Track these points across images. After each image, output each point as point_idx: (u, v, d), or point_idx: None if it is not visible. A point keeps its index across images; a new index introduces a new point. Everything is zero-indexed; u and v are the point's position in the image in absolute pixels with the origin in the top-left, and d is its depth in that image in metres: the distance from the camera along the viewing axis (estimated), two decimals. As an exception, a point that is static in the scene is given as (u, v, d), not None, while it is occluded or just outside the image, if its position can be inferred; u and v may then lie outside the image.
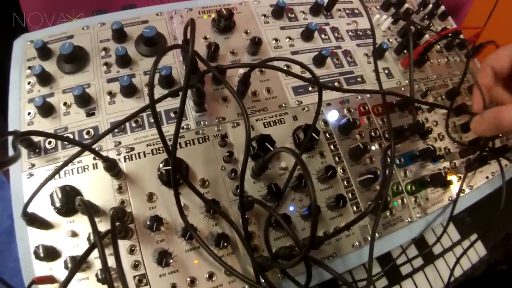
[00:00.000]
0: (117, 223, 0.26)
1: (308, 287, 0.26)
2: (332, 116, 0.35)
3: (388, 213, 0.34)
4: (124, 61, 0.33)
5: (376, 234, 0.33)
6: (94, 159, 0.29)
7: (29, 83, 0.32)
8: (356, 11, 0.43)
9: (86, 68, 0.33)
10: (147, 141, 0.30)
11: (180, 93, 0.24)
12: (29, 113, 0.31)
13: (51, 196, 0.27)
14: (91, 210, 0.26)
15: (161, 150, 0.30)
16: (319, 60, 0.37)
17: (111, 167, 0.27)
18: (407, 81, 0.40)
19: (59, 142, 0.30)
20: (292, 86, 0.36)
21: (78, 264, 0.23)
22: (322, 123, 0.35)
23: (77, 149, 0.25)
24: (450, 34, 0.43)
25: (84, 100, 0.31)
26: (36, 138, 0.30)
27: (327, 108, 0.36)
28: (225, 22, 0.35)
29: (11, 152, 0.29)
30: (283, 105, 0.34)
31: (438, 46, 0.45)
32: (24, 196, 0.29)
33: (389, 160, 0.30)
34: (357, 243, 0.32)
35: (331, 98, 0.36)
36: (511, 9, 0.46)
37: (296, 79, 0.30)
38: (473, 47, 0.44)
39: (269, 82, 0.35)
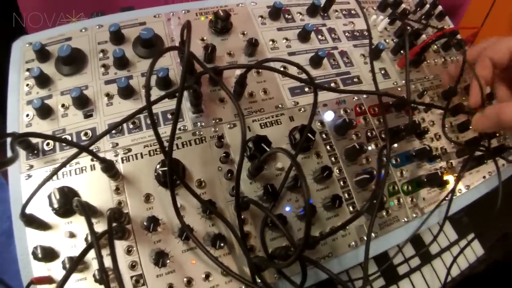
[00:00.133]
0: (114, 224, 0.27)
1: (303, 287, 0.27)
2: (328, 116, 0.36)
3: (384, 213, 0.34)
4: (122, 63, 0.33)
5: (373, 234, 0.33)
6: (92, 160, 0.29)
7: (27, 85, 0.33)
8: (353, 12, 0.43)
9: (84, 70, 0.33)
10: (144, 142, 0.31)
11: (176, 95, 0.24)
12: (27, 115, 0.31)
13: (49, 197, 0.27)
14: (88, 211, 0.27)
15: (158, 151, 0.30)
16: (316, 61, 0.37)
17: (108, 168, 0.28)
18: (403, 81, 0.40)
19: (57, 144, 0.30)
20: (289, 87, 0.36)
21: (75, 264, 0.23)
22: (319, 124, 0.35)
23: (74, 150, 0.25)
24: (447, 34, 0.43)
25: (82, 102, 0.31)
26: (34, 140, 0.30)
27: (324, 109, 0.36)
28: (222, 23, 0.35)
29: (9, 154, 0.29)
30: (280, 106, 0.35)
31: (435, 46, 0.45)
32: (23, 197, 0.29)
33: (384, 160, 0.30)
34: (353, 243, 0.32)
35: (328, 99, 0.36)
36: (508, 9, 0.46)
37: (293, 80, 0.31)
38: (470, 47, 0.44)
39: (265, 83, 0.35)
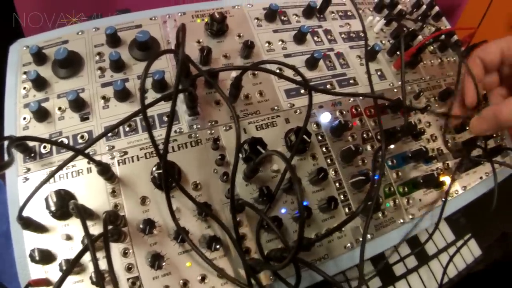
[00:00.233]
0: (110, 227, 0.27)
1: (298, 288, 0.27)
2: (324, 118, 0.36)
3: (380, 215, 0.34)
4: (118, 65, 0.33)
5: (368, 236, 0.33)
6: (88, 163, 0.30)
7: (24, 88, 0.33)
8: (349, 13, 0.43)
9: (80, 73, 0.33)
10: (140, 145, 0.31)
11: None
12: (24, 118, 0.31)
13: (46, 200, 0.27)
14: (84, 214, 0.27)
15: (154, 153, 0.30)
16: (312, 63, 0.37)
17: (104, 171, 0.28)
18: (400, 83, 0.40)
19: (54, 147, 0.30)
20: (285, 89, 0.36)
21: (71, 267, 0.23)
22: (314, 126, 0.35)
23: (71, 153, 0.25)
24: (443, 35, 0.43)
25: (78, 105, 0.31)
26: (31, 143, 0.30)
27: (319, 110, 0.36)
28: (217, 26, 0.35)
29: (6, 157, 0.29)
30: (275, 108, 0.35)
31: (432, 47, 0.45)
32: (20, 200, 0.29)
33: (379, 161, 0.31)
34: (349, 244, 0.32)
35: (323, 100, 0.36)
36: (504, 9, 0.46)
37: (289, 82, 0.31)
38: (466, 48, 0.44)
39: (261, 85, 0.35)
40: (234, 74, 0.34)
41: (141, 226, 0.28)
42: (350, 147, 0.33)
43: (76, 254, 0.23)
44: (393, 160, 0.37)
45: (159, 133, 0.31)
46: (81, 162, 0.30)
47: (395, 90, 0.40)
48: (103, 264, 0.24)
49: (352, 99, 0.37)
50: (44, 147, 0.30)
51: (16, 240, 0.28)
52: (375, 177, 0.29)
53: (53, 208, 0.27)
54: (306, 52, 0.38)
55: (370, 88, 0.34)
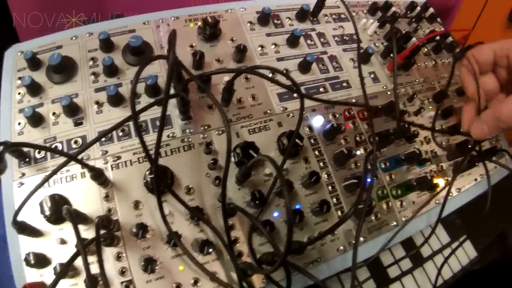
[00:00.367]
0: (103, 231, 0.27)
1: (290, 291, 0.27)
2: (317, 121, 0.36)
3: (373, 217, 0.34)
4: (111, 70, 0.33)
5: (362, 238, 0.33)
6: (82, 168, 0.30)
7: (19, 93, 0.33)
8: (342, 16, 0.43)
9: (74, 78, 0.34)
10: (134, 150, 0.31)
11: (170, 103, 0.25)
12: (19, 123, 0.32)
13: (41, 204, 0.27)
14: (76, 219, 0.27)
15: (147, 158, 0.31)
16: (304, 66, 0.37)
17: (97, 176, 0.28)
18: (393, 85, 0.40)
19: (48, 152, 0.30)
20: (277, 92, 0.36)
21: (63, 271, 0.24)
22: (307, 129, 0.35)
23: (65, 159, 0.26)
24: (438, 37, 0.43)
25: (72, 110, 0.31)
26: (26, 148, 0.30)
27: (312, 114, 0.36)
28: (210, 30, 0.35)
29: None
30: (268, 111, 0.35)
31: (426, 49, 0.45)
32: (16, 204, 0.29)
33: (370, 165, 0.31)
34: (342, 247, 0.32)
35: (316, 104, 0.36)
36: (499, 10, 0.46)
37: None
38: (461, 49, 0.44)
39: (254, 89, 0.36)
40: (227, 78, 0.34)
41: (134, 230, 0.28)
42: (343, 150, 0.33)
43: (68, 259, 0.24)
44: (386, 162, 0.37)
45: (152, 137, 0.32)
46: (75, 167, 0.30)
47: (389, 92, 0.40)
48: (97, 268, 0.25)
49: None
50: (39, 152, 0.31)
51: (11, 244, 0.29)
52: (366, 181, 0.29)
53: (47, 213, 0.27)
54: (299, 56, 0.38)
55: (362, 93, 0.34)
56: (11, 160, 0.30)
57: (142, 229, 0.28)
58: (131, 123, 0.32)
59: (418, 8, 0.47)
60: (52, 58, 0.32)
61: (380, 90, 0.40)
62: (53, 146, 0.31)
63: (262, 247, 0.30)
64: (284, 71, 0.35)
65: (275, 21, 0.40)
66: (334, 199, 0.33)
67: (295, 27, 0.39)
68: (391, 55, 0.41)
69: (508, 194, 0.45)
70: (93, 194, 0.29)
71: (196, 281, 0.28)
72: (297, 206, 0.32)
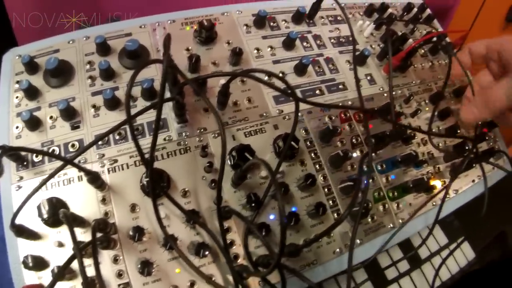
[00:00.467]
0: (100, 234, 0.27)
1: (285, 294, 0.27)
2: (313, 124, 0.36)
3: (369, 219, 0.34)
4: (108, 74, 0.33)
5: (358, 240, 0.33)
6: (79, 171, 0.30)
7: (17, 97, 0.33)
8: (339, 18, 0.43)
9: (71, 82, 0.34)
10: (130, 153, 0.31)
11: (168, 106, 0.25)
12: (17, 127, 0.32)
13: (38, 208, 0.28)
14: (73, 222, 0.27)
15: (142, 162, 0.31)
16: (300, 69, 0.37)
17: (94, 179, 0.28)
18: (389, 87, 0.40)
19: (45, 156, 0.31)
20: (273, 95, 0.36)
21: (59, 274, 0.24)
22: (303, 131, 0.35)
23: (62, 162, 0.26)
24: (435, 38, 0.43)
25: (69, 114, 0.32)
26: (23, 152, 0.31)
27: (308, 116, 0.36)
28: (206, 33, 0.35)
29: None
30: (264, 114, 0.35)
31: (423, 50, 0.45)
32: (14, 207, 0.30)
33: (366, 168, 0.31)
34: (338, 249, 0.32)
35: (312, 106, 0.36)
36: (496, 11, 0.46)
37: (277, 88, 0.31)
38: (458, 50, 0.44)
39: (250, 91, 0.36)
40: (223, 81, 0.34)
41: (130, 233, 0.28)
42: (338, 152, 0.33)
43: (64, 262, 0.24)
44: (383, 164, 0.37)
45: (149, 141, 0.31)
46: (72, 171, 0.30)
47: (385, 94, 0.40)
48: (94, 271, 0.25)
49: (341, 104, 0.38)
50: (36, 156, 0.31)
51: (10, 247, 0.29)
52: (361, 183, 0.29)
53: (45, 216, 0.28)
54: (295, 58, 0.38)
55: (358, 95, 0.34)
56: (9, 164, 0.30)
57: (139, 232, 0.28)
58: (127, 127, 0.32)
59: (415, 9, 0.46)
60: (49, 62, 0.32)
61: (377, 92, 0.40)
62: (50, 150, 0.31)
63: (259, 249, 0.30)
64: (279, 74, 0.36)
65: (271, 23, 0.40)
66: (330, 202, 0.34)
67: (291, 30, 0.39)
68: (388, 56, 0.41)
69: (506, 195, 0.45)
70: (90, 197, 0.30)
71: (192, 284, 0.28)
72: (293, 209, 0.32)
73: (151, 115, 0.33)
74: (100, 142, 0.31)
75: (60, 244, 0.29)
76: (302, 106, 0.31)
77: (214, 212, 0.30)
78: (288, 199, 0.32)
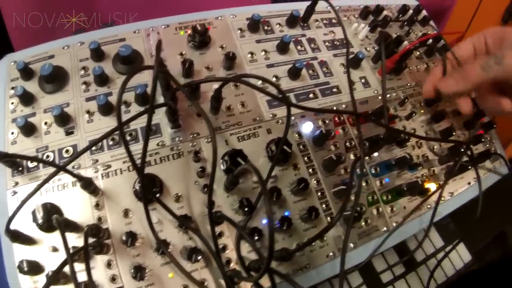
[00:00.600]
0: (93, 239, 0.28)
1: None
2: (306, 128, 0.36)
3: (363, 223, 0.34)
4: (102, 80, 0.34)
5: (351, 245, 0.33)
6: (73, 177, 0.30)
7: (12, 103, 0.34)
8: (333, 20, 0.43)
9: (65, 88, 0.34)
10: (123, 158, 0.31)
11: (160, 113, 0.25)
12: (12, 133, 0.32)
13: (33, 213, 0.28)
14: (67, 228, 0.28)
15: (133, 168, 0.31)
16: (294, 73, 0.37)
17: (87, 185, 0.28)
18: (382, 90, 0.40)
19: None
20: (267, 99, 0.36)
21: (50, 279, 0.24)
22: (296, 135, 0.35)
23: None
24: (430, 40, 0.43)
25: (63, 120, 0.32)
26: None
27: (301, 120, 0.36)
28: (200, 37, 0.36)
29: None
30: (257, 118, 0.35)
31: (418, 52, 0.45)
32: (10, 213, 0.30)
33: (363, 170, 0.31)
34: (331, 253, 0.32)
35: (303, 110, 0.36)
36: (493, 12, 0.46)
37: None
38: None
39: (243, 96, 0.36)
40: (215, 86, 0.34)
41: (123, 238, 0.28)
42: (332, 156, 0.33)
43: (57, 267, 0.24)
44: (377, 168, 0.37)
45: (142, 146, 0.32)
46: (66, 176, 0.30)
47: (380, 97, 0.40)
48: (92, 276, 0.25)
49: (335, 108, 0.38)
50: (31, 161, 0.31)
51: (6, 252, 0.29)
52: (352, 187, 0.29)
53: (40, 221, 0.28)
54: (289, 62, 0.38)
55: (351, 99, 0.34)
56: (4, 170, 0.31)
57: (132, 237, 0.28)
58: (121, 132, 0.32)
59: (410, 11, 0.46)
60: (44, 68, 0.32)
61: (371, 95, 0.40)
62: (45, 155, 0.31)
63: (252, 254, 0.30)
64: (271, 79, 0.36)
65: (265, 27, 0.40)
66: (324, 206, 0.34)
67: (285, 33, 0.39)
68: (382, 59, 0.41)
69: (504, 196, 0.44)
70: (84, 202, 0.30)
71: (185, 288, 0.29)
72: (286, 213, 0.32)
73: (145, 120, 0.32)
74: (93, 148, 0.31)
75: (55, 249, 0.29)
76: (296, 110, 0.31)
77: (207, 217, 0.30)
78: (281, 203, 0.32)
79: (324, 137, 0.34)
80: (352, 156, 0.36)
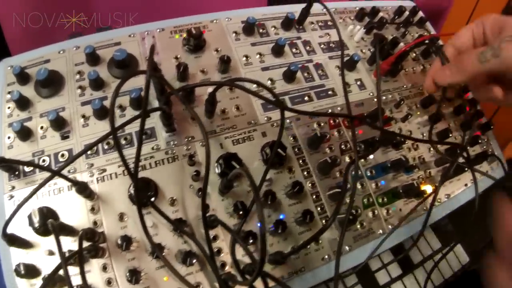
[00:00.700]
0: (89, 243, 0.28)
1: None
2: (301, 130, 0.36)
3: (358, 226, 0.34)
4: (97, 84, 0.34)
5: (347, 247, 0.33)
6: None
7: (9, 107, 0.34)
8: (329, 23, 0.43)
9: (61, 92, 0.34)
10: (118, 162, 0.31)
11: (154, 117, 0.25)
12: (9, 137, 0.33)
13: (29, 217, 0.28)
14: (62, 232, 0.28)
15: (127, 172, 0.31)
16: (289, 76, 0.37)
17: (82, 189, 0.29)
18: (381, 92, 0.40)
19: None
20: (262, 102, 0.36)
21: (45, 284, 0.24)
22: (291, 138, 0.35)
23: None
24: (426, 41, 0.43)
25: (59, 124, 0.32)
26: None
27: (297, 123, 0.36)
28: (195, 41, 0.36)
29: None
30: (252, 121, 0.35)
31: (414, 54, 0.45)
32: (7, 217, 0.30)
33: (353, 174, 0.31)
34: (326, 256, 0.32)
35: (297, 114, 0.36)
36: (490, 12, 0.45)
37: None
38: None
39: (238, 99, 0.36)
40: (210, 89, 0.34)
41: (119, 242, 0.28)
42: (327, 159, 0.33)
43: (51, 271, 0.24)
44: (372, 170, 0.37)
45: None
46: (61, 181, 0.31)
47: (375, 99, 0.40)
48: (88, 279, 0.25)
49: (330, 111, 0.38)
50: (27, 166, 0.31)
51: (3, 255, 0.30)
52: (346, 190, 0.29)
53: (36, 225, 0.28)
54: (284, 65, 0.38)
55: (345, 101, 0.34)
56: (1, 174, 0.31)
57: (127, 241, 0.28)
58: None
59: (407, 13, 0.46)
60: (39, 73, 0.33)
61: (367, 97, 0.40)
62: (41, 160, 0.32)
63: (247, 257, 0.30)
64: (265, 82, 0.36)
65: (260, 30, 0.40)
66: (319, 209, 0.34)
67: (280, 36, 0.39)
68: (376, 61, 0.41)
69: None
70: (80, 206, 0.30)
71: (180, 292, 0.29)
72: (281, 216, 0.32)
73: (139, 124, 0.33)
74: (89, 152, 0.31)
75: (51, 253, 0.29)
76: (291, 113, 0.31)
77: (201, 221, 0.31)
78: (275, 207, 0.32)
79: (319, 140, 0.34)
80: (347, 159, 0.36)
